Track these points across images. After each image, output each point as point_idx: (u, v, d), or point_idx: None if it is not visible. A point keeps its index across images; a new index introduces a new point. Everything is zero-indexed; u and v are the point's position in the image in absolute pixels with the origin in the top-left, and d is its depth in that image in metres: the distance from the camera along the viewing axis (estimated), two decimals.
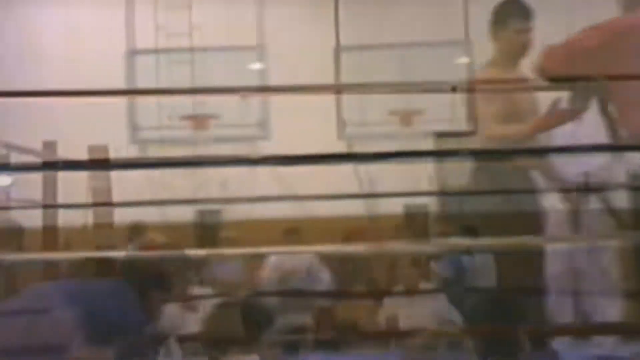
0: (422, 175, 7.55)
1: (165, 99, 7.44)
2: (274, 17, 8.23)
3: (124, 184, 5.97)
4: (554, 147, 6.46)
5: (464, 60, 7.86)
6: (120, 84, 7.73)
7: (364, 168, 7.88)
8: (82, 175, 6.34)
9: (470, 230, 7.79)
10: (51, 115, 8.31)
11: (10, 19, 9.66)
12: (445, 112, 7.13)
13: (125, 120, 7.95)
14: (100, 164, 4.64)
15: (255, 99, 6.66)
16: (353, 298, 7.33)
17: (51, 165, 4.55)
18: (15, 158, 5.32)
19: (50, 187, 5.58)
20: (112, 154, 5.55)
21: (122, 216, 6.85)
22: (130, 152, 7.78)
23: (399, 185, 6.91)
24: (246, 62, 8.12)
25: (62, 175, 5.79)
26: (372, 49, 8.15)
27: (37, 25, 9.49)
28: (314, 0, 8.42)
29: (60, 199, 6.14)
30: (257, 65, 8.06)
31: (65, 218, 5.81)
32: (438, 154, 6.95)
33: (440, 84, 5.29)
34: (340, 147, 7.72)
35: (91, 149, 6.59)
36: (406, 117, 7.77)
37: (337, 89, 7.60)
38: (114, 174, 5.98)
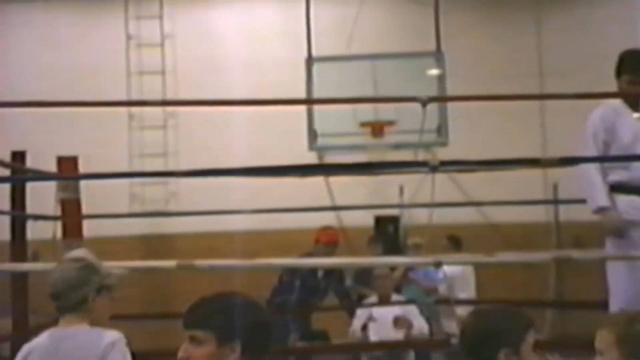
0: None
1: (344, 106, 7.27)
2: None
3: None
4: (522, 159, 6.49)
5: (435, 72, 7.85)
6: (301, 91, 7.61)
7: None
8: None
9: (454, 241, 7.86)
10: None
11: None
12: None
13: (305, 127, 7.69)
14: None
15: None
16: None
17: None
18: None
19: None
20: (292, 161, 5.37)
21: None
22: (309, 159, 7.56)
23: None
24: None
25: None
26: (343, 60, 8.13)
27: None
28: None
29: None
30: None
31: None
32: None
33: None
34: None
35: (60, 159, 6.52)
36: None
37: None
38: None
